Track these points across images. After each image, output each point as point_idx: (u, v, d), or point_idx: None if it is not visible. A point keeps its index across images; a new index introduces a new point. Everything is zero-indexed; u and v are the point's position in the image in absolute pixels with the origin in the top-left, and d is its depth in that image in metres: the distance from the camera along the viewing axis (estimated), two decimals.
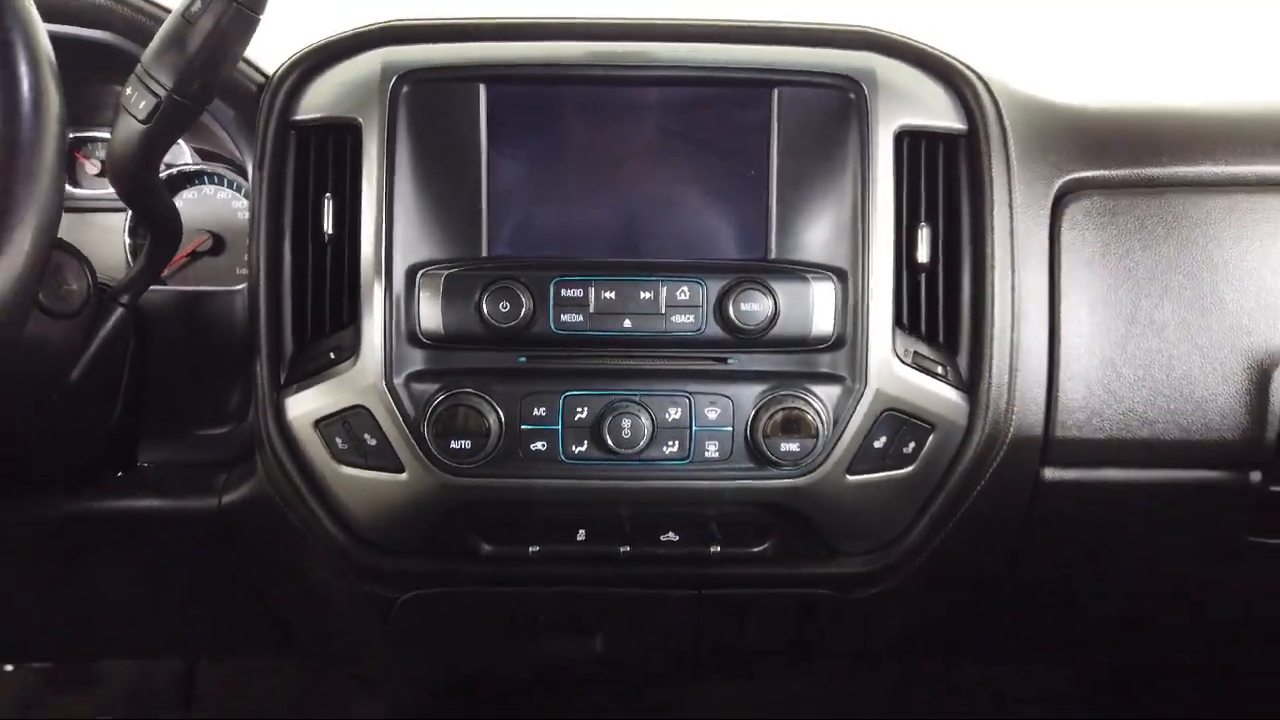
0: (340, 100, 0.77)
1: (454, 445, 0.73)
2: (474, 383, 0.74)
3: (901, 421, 0.76)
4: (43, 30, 0.60)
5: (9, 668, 1.43)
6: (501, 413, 0.74)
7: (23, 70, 0.58)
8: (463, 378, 0.74)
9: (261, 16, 0.67)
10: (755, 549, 0.78)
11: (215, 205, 0.93)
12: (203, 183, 0.93)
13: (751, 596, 0.82)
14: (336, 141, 0.77)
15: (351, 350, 0.75)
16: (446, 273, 0.74)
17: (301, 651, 1.07)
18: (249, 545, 0.84)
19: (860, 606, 0.85)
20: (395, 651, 0.90)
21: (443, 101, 0.76)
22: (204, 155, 0.93)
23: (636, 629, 0.88)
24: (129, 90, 0.67)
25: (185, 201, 0.92)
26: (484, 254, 0.76)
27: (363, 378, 0.74)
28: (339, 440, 0.76)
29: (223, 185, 0.93)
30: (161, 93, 0.66)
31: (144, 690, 1.37)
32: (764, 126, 0.76)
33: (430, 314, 0.74)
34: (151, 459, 0.84)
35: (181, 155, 0.93)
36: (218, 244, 0.92)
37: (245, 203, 0.92)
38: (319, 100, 0.78)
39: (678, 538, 0.78)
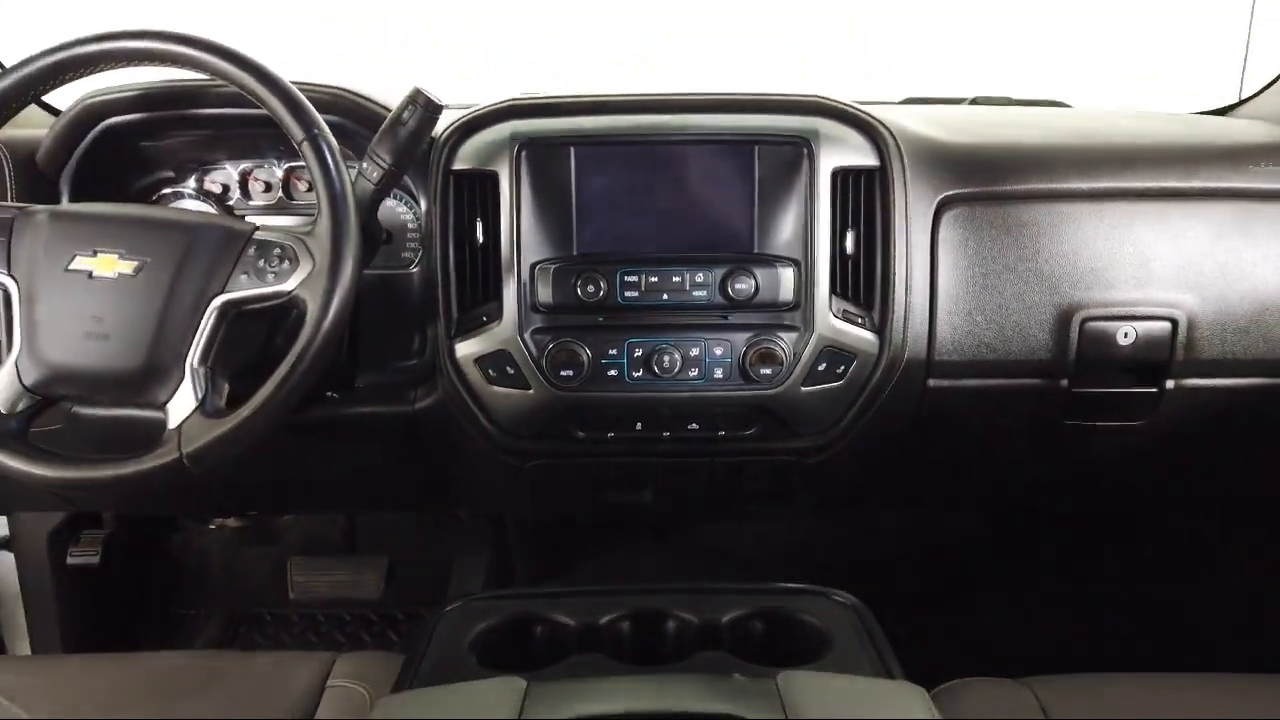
0: (483, 157, 1.22)
1: (562, 373, 1.21)
2: (572, 335, 1.21)
3: (836, 353, 1.22)
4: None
5: (212, 526, 1.96)
6: (589, 352, 1.21)
7: (331, 163, 1.03)
8: (564, 331, 1.21)
9: (443, 113, 1.13)
10: (746, 433, 1.26)
11: (388, 210, 1.38)
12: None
13: (745, 462, 1.31)
14: (482, 183, 1.23)
15: (497, 315, 1.22)
16: (554, 267, 1.20)
17: (454, 503, 1.59)
18: (431, 435, 1.33)
19: (814, 469, 1.31)
20: (521, 499, 1.41)
21: (547, 157, 1.21)
22: None
23: (671, 485, 1.37)
24: (365, 164, 1.13)
25: None
26: (575, 253, 1.22)
27: (504, 332, 1.22)
28: (490, 370, 1.23)
29: (391, 198, 1.39)
30: (386, 166, 1.11)
31: (315, 537, 1.91)
32: (749, 168, 1.21)
33: (544, 292, 1.20)
34: (365, 382, 1.32)
35: None
36: (390, 236, 1.38)
37: (407, 209, 1.36)
38: (469, 156, 1.23)
39: (698, 427, 1.26)
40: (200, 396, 1.01)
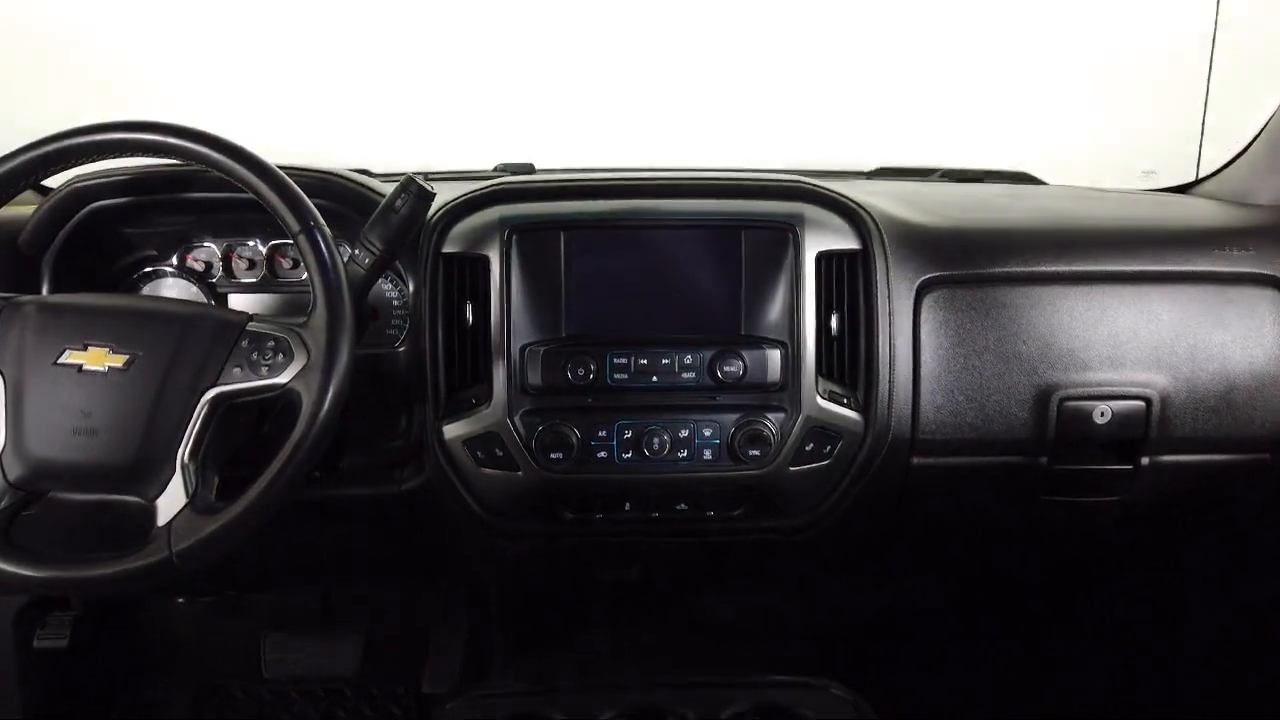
0: (473, 240, 1.23)
1: (551, 455, 1.21)
2: (561, 416, 1.22)
3: (822, 433, 1.24)
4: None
5: (180, 600, 1.92)
6: (579, 434, 1.21)
7: (327, 256, 1.03)
8: (554, 414, 1.22)
9: (434, 198, 1.14)
10: (734, 513, 1.27)
11: (374, 289, 1.38)
12: None
13: (732, 541, 1.32)
14: (472, 266, 1.24)
15: (486, 398, 1.22)
16: (543, 349, 1.21)
17: (437, 578, 1.57)
18: (417, 515, 1.32)
19: (801, 545, 1.33)
20: (507, 577, 1.40)
21: (537, 241, 1.22)
22: None
23: (659, 562, 1.37)
24: (357, 250, 1.13)
25: None
26: (564, 335, 1.23)
27: (494, 414, 1.22)
28: (479, 452, 1.23)
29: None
30: (377, 252, 1.12)
31: (290, 609, 1.87)
32: (736, 251, 1.23)
33: (534, 374, 1.21)
34: (350, 462, 1.32)
35: None
36: (376, 314, 1.38)
37: (392, 287, 1.37)
38: (460, 239, 1.24)
39: (686, 507, 1.27)
40: (191, 492, 0.99)
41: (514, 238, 1.22)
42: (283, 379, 1.01)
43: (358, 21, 2.73)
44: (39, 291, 1.27)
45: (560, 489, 1.25)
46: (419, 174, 1.15)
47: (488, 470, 1.24)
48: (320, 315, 1.02)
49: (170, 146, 1.04)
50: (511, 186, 1.26)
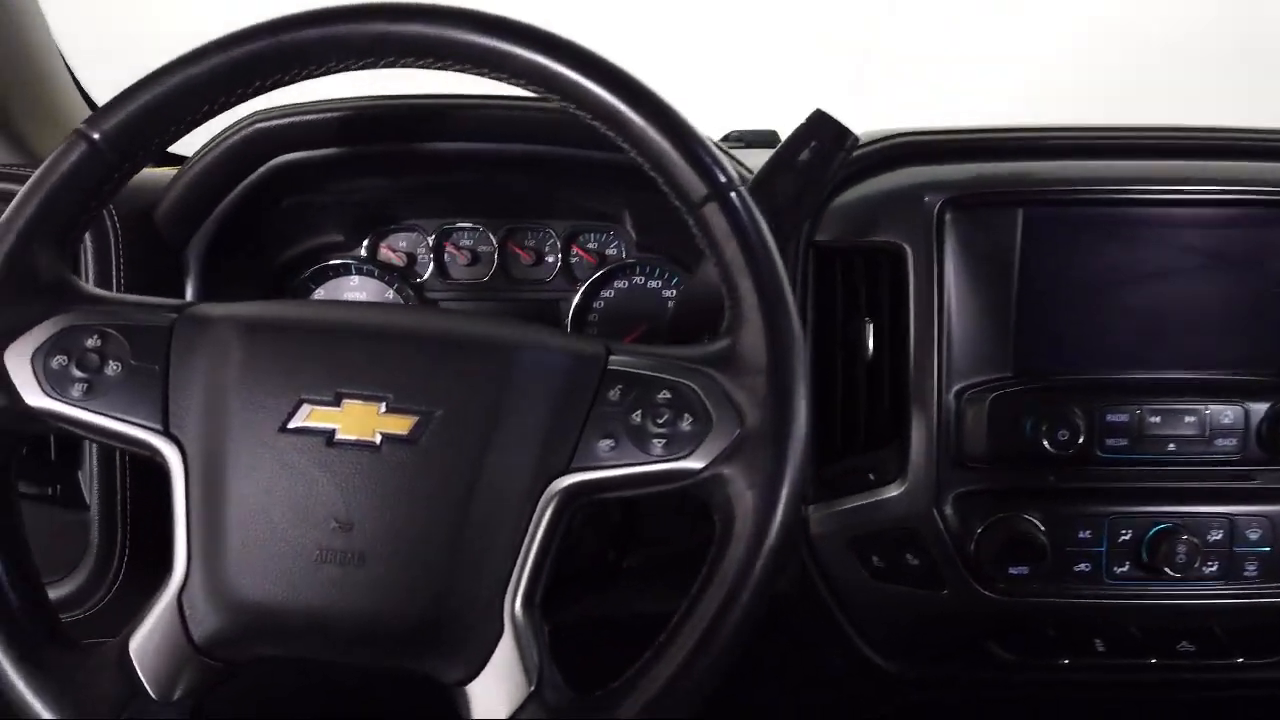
0: (872, 221, 0.77)
1: (1010, 570, 0.75)
2: (1021, 504, 0.76)
3: None
4: None
5: None
6: (1048, 534, 0.75)
7: (757, 240, 0.57)
8: (1008, 500, 0.76)
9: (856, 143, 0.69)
10: (1269, 659, 0.80)
11: (646, 295, 0.93)
12: (636, 275, 0.94)
13: (1264, 699, 0.85)
14: (872, 262, 0.78)
15: (894, 471, 0.76)
16: (992, 395, 0.75)
17: None
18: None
19: None
20: None
21: (979, 223, 0.76)
22: (641, 248, 0.93)
23: None
24: None
25: (616, 291, 0.93)
26: (1012, 373, 0.77)
27: (910, 500, 0.76)
28: (875, 557, 0.77)
29: (652, 276, 0.94)
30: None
31: None
32: None
33: (976, 435, 0.75)
34: (637, 561, 0.85)
35: (625, 249, 0.93)
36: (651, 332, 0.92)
37: (674, 293, 0.92)
38: (847, 220, 0.78)
39: (1194, 648, 0.80)
40: (533, 669, 0.53)
41: (947, 216, 0.76)
42: (695, 461, 0.54)
43: None
44: (179, 294, 0.82)
45: (1004, 617, 0.78)
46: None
47: (889, 586, 0.77)
48: (753, 341, 0.55)
49: (492, 52, 0.57)
50: (933, 138, 0.80)
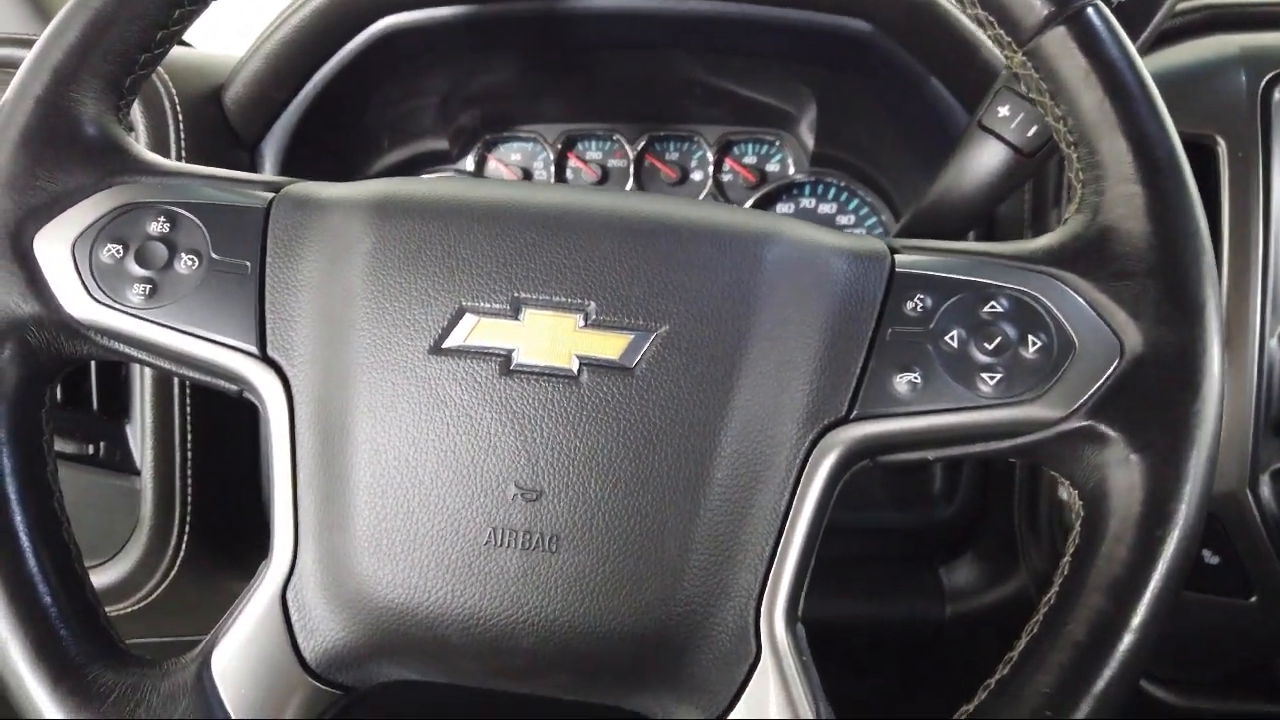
0: (1175, 106, 0.59)
1: None
2: None
3: None
4: None
5: None
6: None
7: (1132, 77, 0.40)
8: None
9: None
10: None
11: (818, 223, 0.75)
12: (805, 196, 0.75)
13: None
14: None
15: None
16: None
17: None
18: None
19: None
20: None
21: None
22: (816, 161, 0.75)
23: None
24: (1004, 109, 0.50)
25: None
26: None
27: (1217, 480, 0.57)
28: None
29: (825, 198, 0.76)
30: None
31: None
32: None
33: None
34: None
35: (792, 162, 0.75)
36: None
37: (852, 220, 0.74)
38: None
39: None
40: (804, 702, 0.35)
41: (1274, 99, 0.57)
42: (1048, 408, 0.36)
43: None
44: None
45: None
46: None
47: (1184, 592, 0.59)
48: (1134, 227, 0.38)
49: None
50: (1255, 6, 0.61)
